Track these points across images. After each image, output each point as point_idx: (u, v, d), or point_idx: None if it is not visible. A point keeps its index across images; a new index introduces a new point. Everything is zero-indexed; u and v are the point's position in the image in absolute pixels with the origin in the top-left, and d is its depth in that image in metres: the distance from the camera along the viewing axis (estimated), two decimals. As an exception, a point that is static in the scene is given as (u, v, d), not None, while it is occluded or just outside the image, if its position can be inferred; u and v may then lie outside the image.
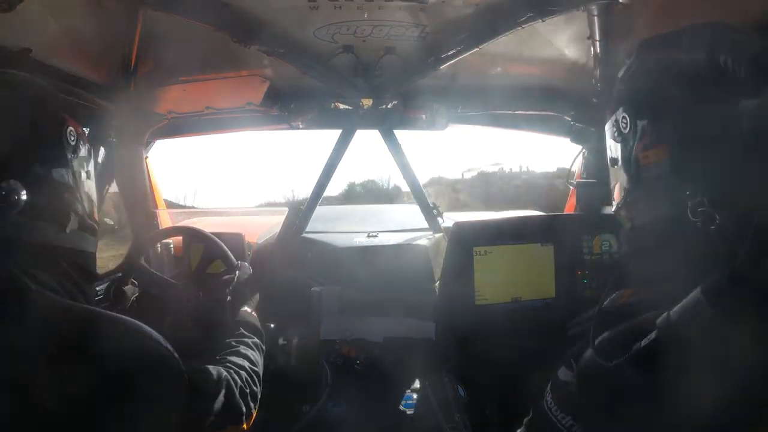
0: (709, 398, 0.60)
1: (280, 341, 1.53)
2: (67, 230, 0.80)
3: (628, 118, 0.77)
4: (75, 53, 1.38)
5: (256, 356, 1.12)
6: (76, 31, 1.33)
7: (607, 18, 1.38)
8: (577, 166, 2.00)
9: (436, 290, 1.72)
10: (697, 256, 0.66)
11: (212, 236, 1.58)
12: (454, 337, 1.60)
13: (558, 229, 1.68)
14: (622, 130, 0.78)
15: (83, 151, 0.86)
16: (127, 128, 1.74)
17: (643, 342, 0.65)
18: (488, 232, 1.64)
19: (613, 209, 0.86)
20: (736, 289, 0.61)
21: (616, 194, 0.84)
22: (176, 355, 0.77)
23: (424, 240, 1.93)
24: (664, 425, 0.65)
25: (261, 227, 2.15)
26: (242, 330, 1.19)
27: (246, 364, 1.05)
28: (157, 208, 2.06)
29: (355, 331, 1.68)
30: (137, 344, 0.74)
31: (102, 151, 1.62)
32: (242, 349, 1.10)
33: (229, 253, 1.55)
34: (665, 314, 0.65)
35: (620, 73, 0.82)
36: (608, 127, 0.83)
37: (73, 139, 0.83)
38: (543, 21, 1.33)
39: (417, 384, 1.58)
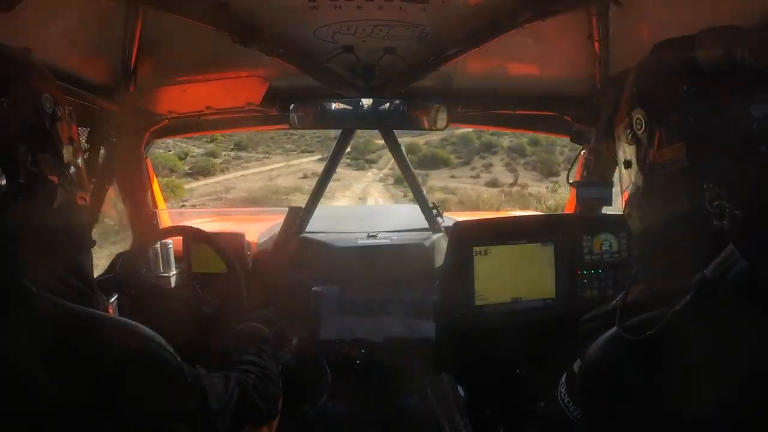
0: (707, 398, 0.60)
1: None
2: (55, 206, 0.74)
3: (643, 119, 0.76)
4: (75, 53, 1.38)
5: (265, 362, 1.11)
6: (76, 31, 1.32)
7: (607, 18, 1.38)
8: (577, 166, 2.00)
9: (436, 290, 1.72)
10: (709, 251, 0.65)
11: (212, 236, 1.59)
12: (454, 337, 1.60)
13: (558, 229, 1.68)
14: (637, 131, 0.77)
15: (64, 117, 0.79)
16: (127, 128, 1.75)
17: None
18: (488, 232, 1.64)
19: (624, 212, 0.85)
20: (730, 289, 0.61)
21: (627, 197, 0.83)
22: (179, 358, 0.76)
23: (424, 240, 1.93)
24: (664, 423, 0.65)
25: (261, 227, 2.15)
26: (247, 343, 1.18)
27: (254, 367, 1.05)
28: (157, 208, 2.06)
29: (355, 331, 1.68)
30: (138, 347, 0.72)
31: (102, 150, 1.63)
32: (246, 356, 1.10)
33: (230, 253, 1.55)
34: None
35: (632, 76, 0.81)
36: (620, 132, 0.81)
37: (49, 106, 0.76)
38: (543, 21, 1.34)
39: (417, 384, 1.58)
